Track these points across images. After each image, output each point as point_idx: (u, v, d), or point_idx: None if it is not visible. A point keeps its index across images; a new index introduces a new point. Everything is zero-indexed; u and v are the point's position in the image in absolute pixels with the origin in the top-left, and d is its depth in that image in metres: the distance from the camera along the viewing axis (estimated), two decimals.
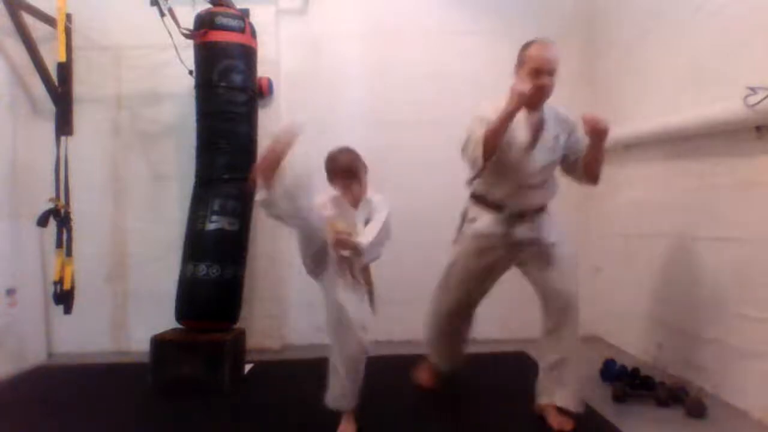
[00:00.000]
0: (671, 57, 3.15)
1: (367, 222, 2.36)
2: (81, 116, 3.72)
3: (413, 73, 3.95)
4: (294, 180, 2.09)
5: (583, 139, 2.41)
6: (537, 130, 2.40)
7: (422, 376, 2.93)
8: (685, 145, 3.01)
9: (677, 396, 2.65)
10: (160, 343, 3.02)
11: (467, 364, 2.91)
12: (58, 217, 3.12)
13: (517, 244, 2.47)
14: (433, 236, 3.07)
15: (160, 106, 3.89)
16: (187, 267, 3.18)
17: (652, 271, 3.34)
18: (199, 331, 3.11)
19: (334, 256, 2.25)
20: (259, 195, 2.13)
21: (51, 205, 3.10)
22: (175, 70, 3.48)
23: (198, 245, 3.20)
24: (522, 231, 2.45)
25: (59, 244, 3.12)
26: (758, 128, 2.46)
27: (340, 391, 2.30)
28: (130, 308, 3.87)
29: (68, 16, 3.32)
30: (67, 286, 3.12)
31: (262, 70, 3.59)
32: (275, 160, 2.06)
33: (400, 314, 3.27)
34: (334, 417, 2.35)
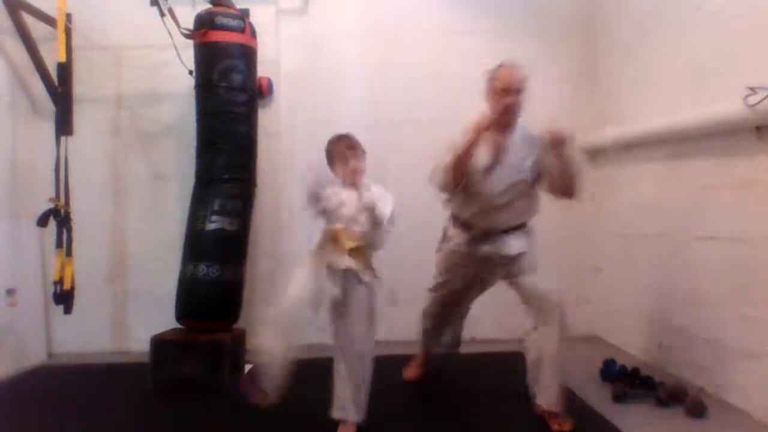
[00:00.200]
0: (671, 57, 3.15)
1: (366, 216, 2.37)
2: (81, 116, 3.72)
3: (413, 73, 3.94)
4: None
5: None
6: (499, 151, 2.45)
7: (409, 370, 3.07)
8: (685, 145, 3.01)
9: (677, 396, 2.65)
10: (160, 343, 3.03)
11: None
12: (58, 217, 3.12)
13: (483, 261, 2.58)
14: (433, 236, 3.06)
15: (160, 106, 3.88)
16: (187, 267, 3.18)
17: (652, 271, 3.34)
18: (199, 331, 3.11)
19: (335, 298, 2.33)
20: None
21: (51, 205, 3.10)
22: (175, 70, 3.47)
23: (198, 245, 3.20)
24: (485, 249, 2.55)
25: (59, 244, 3.12)
26: (758, 128, 2.46)
27: (342, 401, 2.34)
28: (130, 308, 3.87)
29: (68, 16, 3.32)
30: (67, 286, 3.12)
31: (262, 70, 3.59)
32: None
33: (400, 314, 3.26)
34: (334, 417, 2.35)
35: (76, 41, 3.69)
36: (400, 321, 3.22)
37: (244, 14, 3.43)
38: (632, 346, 3.55)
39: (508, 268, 2.56)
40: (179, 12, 3.30)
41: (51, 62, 3.39)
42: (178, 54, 3.35)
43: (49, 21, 3.50)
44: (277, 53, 3.89)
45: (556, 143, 2.30)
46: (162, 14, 3.20)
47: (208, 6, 3.35)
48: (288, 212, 3.90)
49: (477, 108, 2.47)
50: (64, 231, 3.14)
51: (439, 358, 3.12)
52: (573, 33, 4.02)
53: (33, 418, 2.70)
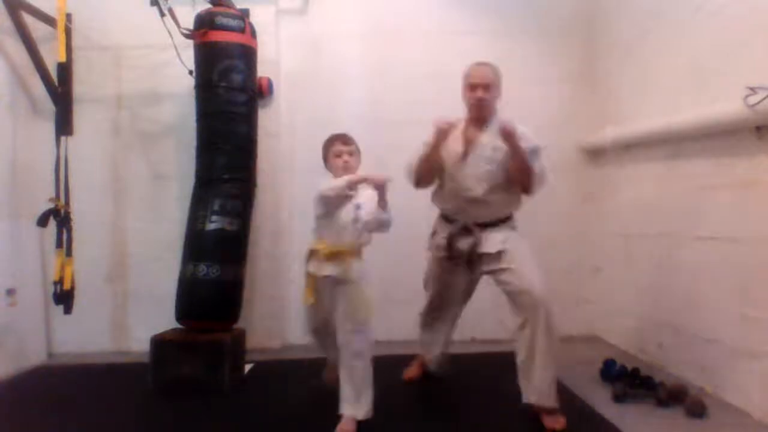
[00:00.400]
0: (671, 57, 3.15)
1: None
2: (81, 116, 3.73)
3: (413, 73, 3.94)
4: None
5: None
6: (468, 145, 2.58)
7: (410, 370, 3.08)
8: (685, 145, 3.01)
9: (677, 396, 2.65)
10: (160, 343, 3.02)
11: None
12: (58, 217, 3.11)
13: (463, 256, 2.63)
14: None
15: (160, 106, 3.88)
16: (187, 267, 3.18)
17: (652, 271, 3.34)
18: (199, 331, 3.10)
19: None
20: None
21: (51, 205, 3.10)
22: (175, 70, 3.47)
23: (198, 245, 3.20)
24: (463, 244, 2.61)
25: (59, 244, 3.12)
26: (758, 128, 2.47)
27: (346, 399, 2.35)
28: (130, 308, 3.87)
29: (68, 16, 3.32)
30: (67, 286, 3.12)
31: (262, 70, 3.59)
32: None
33: (400, 314, 3.27)
34: (334, 417, 2.35)
35: (76, 41, 3.70)
36: (400, 321, 3.23)
37: (244, 14, 3.43)
38: (632, 346, 3.55)
39: (489, 265, 2.59)
40: (179, 12, 3.30)
41: (51, 62, 3.39)
42: (178, 54, 3.35)
43: (49, 21, 3.50)
44: (277, 53, 3.89)
45: (505, 136, 2.42)
46: (162, 14, 3.20)
47: (208, 6, 3.35)
48: (288, 212, 3.90)
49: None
50: (64, 231, 3.13)
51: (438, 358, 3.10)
52: (573, 33, 4.02)
53: (33, 418, 2.70)
